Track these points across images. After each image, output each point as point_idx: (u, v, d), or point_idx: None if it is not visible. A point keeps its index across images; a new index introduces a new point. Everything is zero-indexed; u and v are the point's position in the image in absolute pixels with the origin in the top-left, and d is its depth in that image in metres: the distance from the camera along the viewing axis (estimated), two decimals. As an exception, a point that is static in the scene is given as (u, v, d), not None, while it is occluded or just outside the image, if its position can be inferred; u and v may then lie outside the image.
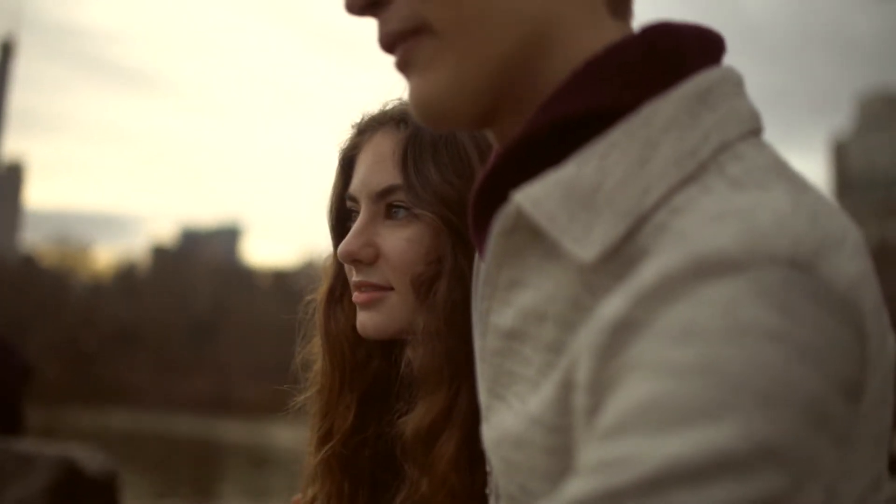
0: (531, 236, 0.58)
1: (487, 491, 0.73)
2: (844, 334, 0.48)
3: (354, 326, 0.95)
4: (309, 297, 1.04)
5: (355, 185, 0.95)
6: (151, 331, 41.23)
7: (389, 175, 0.93)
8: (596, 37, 0.60)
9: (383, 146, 0.96)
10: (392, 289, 0.91)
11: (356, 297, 0.92)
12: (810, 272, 0.48)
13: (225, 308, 44.45)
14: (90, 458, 4.20)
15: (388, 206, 0.93)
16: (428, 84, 0.60)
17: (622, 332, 0.49)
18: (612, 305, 0.50)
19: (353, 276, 0.92)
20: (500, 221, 0.58)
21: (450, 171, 0.91)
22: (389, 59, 0.64)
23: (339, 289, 0.99)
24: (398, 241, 0.91)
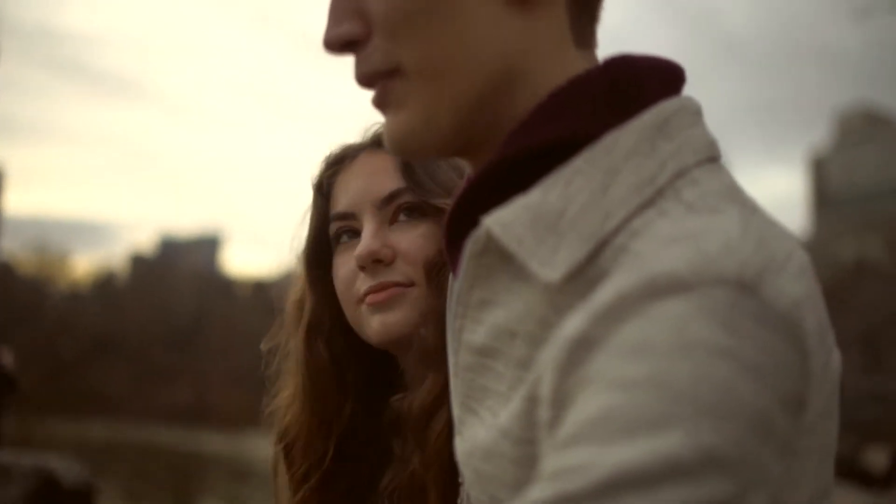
0: (501, 258, 0.61)
1: (459, 501, 0.75)
2: (786, 351, 0.51)
3: (335, 361, 0.98)
4: (278, 335, 1.06)
5: (350, 201, 0.97)
6: (130, 340, 41.05)
7: (391, 182, 0.95)
8: (562, 68, 0.63)
9: (375, 162, 0.98)
10: (413, 284, 0.93)
11: (374, 298, 0.93)
12: (754, 293, 0.51)
13: (204, 317, 44.34)
14: (67, 469, 4.18)
15: (394, 211, 0.95)
16: (401, 122, 0.64)
17: (580, 348, 0.52)
18: (572, 323, 0.53)
19: (370, 281, 0.93)
20: (472, 244, 0.61)
21: (448, 166, 0.95)
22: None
23: (327, 321, 1.00)
24: (414, 238, 0.95)
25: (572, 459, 0.48)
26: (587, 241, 0.57)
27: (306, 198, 1.04)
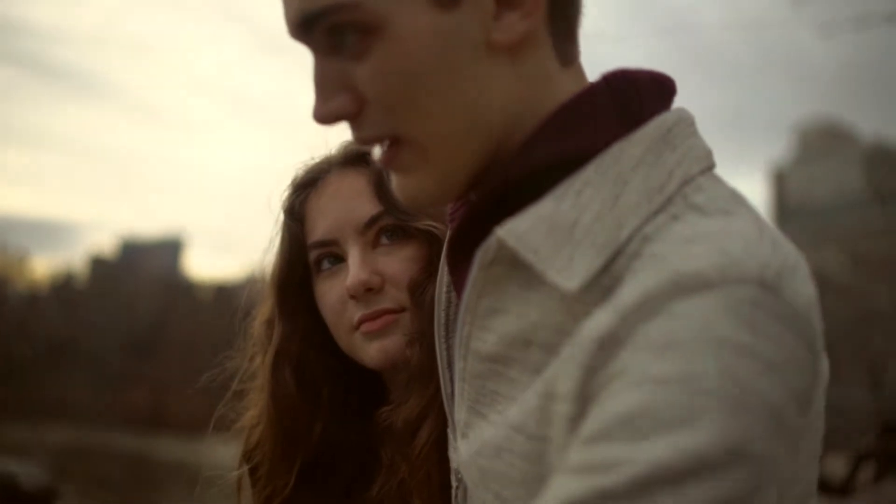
0: (511, 268, 0.63)
1: None
2: (801, 350, 0.53)
3: (303, 388, 0.99)
4: (244, 350, 1.05)
5: (330, 227, 0.98)
6: (89, 344, 40.46)
7: (370, 205, 0.96)
8: (556, 91, 0.65)
9: (348, 184, 0.99)
10: (404, 309, 0.94)
11: (370, 326, 0.94)
12: (775, 293, 0.53)
13: (165, 321, 43.83)
14: (27, 474, 4.11)
15: (376, 234, 0.95)
16: (413, 185, 0.66)
17: (607, 346, 0.54)
18: (597, 322, 0.55)
19: (363, 309, 0.94)
20: (481, 254, 0.63)
21: None
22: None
23: (296, 348, 1.00)
24: (400, 263, 0.96)
25: (605, 455, 0.50)
26: (603, 249, 0.59)
27: (269, 202, 1.03)
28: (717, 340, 0.52)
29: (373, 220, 0.96)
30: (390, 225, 0.96)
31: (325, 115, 0.64)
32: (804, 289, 0.56)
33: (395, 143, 0.65)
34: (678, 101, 0.69)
